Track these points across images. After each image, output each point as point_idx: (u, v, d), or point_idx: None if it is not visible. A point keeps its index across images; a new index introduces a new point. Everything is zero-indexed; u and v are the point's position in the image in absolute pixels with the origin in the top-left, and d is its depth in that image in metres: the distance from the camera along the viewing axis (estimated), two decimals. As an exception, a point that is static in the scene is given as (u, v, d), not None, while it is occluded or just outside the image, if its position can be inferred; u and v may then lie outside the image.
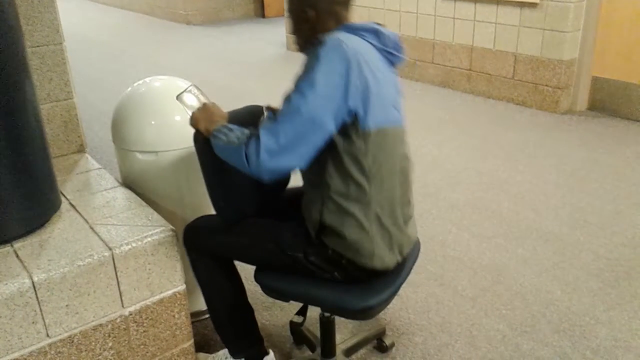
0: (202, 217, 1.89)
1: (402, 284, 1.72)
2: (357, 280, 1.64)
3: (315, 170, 1.57)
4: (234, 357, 1.93)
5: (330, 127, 1.47)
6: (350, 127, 1.50)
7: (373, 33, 1.62)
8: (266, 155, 1.45)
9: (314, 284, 1.68)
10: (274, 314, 2.33)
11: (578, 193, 3.25)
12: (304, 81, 1.47)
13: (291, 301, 1.75)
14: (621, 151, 3.80)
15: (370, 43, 1.60)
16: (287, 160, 1.48)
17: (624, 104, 4.37)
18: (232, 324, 1.91)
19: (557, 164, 3.63)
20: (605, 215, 3.00)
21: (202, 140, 1.71)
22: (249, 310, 1.91)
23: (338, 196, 1.55)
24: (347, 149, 1.51)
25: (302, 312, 2.08)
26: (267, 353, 1.95)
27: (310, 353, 2.07)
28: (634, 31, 4.18)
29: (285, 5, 1.71)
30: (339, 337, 2.04)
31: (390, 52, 1.65)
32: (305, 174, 1.66)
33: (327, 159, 1.54)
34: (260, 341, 1.95)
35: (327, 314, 1.90)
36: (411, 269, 1.78)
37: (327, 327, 1.93)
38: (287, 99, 1.49)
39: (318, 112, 1.45)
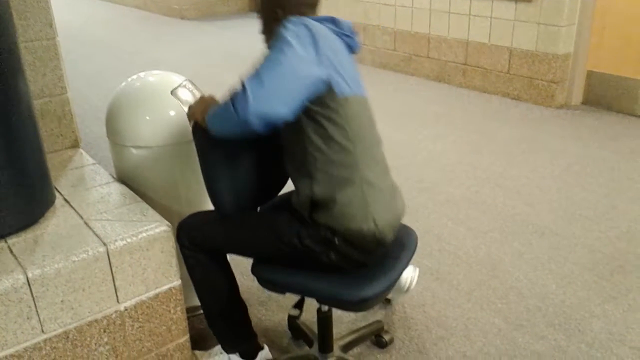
0: (195, 213, 1.89)
1: (399, 275, 1.72)
2: (354, 262, 1.65)
3: (300, 147, 1.61)
4: (227, 353, 1.93)
5: (308, 81, 1.52)
6: (327, 96, 1.56)
7: (330, 21, 1.72)
8: (253, 98, 1.45)
9: (310, 276, 1.68)
10: (270, 309, 2.33)
11: (573, 187, 3.26)
12: (279, 43, 1.53)
13: (288, 295, 1.75)
14: (616, 145, 3.81)
15: (329, 29, 1.68)
16: (273, 104, 1.48)
17: (618, 98, 4.37)
18: (225, 320, 1.91)
19: (552, 158, 3.64)
20: (600, 209, 3.01)
21: (201, 132, 1.71)
22: (242, 306, 1.92)
23: (326, 164, 1.59)
24: (329, 116, 1.57)
25: (298, 305, 2.08)
26: (261, 348, 1.95)
27: (308, 348, 2.07)
28: (629, 25, 4.18)
29: (257, 7, 1.80)
30: (336, 333, 2.04)
31: (347, 34, 1.74)
32: (290, 159, 1.69)
33: (310, 132, 1.59)
34: (254, 337, 1.95)
35: (324, 309, 1.90)
36: (409, 261, 1.78)
37: (325, 322, 1.94)
38: (265, 58, 1.53)
39: (297, 65, 1.51)
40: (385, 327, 2.18)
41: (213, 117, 1.62)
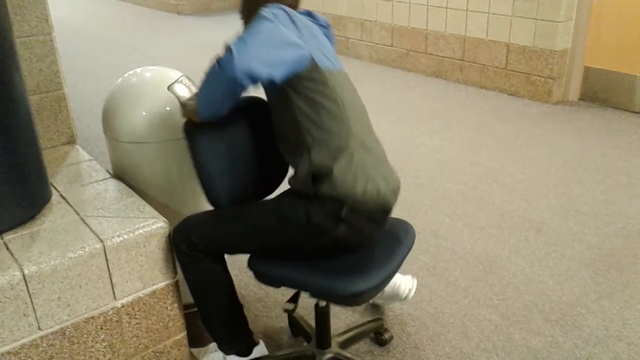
0: (190, 217, 1.83)
1: (394, 270, 1.71)
2: (363, 234, 1.68)
3: (293, 125, 1.64)
4: (225, 353, 1.92)
5: (291, 49, 1.59)
6: (312, 70, 1.62)
7: (306, 14, 1.81)
8: (238, 54, 1.50)
9: (304, 269, 1.67)
10: (267, 305, 2.33)
11: (570, 183, 3.26)
12: (259, 18, 1.59)
13: (284, 291, 1.74)
14: (613, 141, 3.81)
15: (306, 18, 1.78)
16: (258, 62, 1.53)
17: (616, 94, 4.37)
18: (224, 323, 1.88)
19: (549, 154, 3.64)
20: (597, 205, 3.01)
21: (193, 129, 1.71)
22: (239, 306, 1.90)
23: (321, 134, 1.62)
24: (317, 89, 1.62)
25: (293, 299, 2.05)
26: (256, 344, 1.94)
27: (306, 344, 2.06)
28: (626, 21, 4.18)
29: (239, 8, 1.85)
30: (335, 330, 2.04)
31: (323, 26, 1.84)
32: (286, 141, 1.71)
33: (302, 106, 1.62)
34: (250, 334, 1.94)
35: (322, 304, 1.89)
36: (405, 256, 1.77)
37: (322, 318, 1.92)
38: (247, 29, 1.60)
39: (278, 33, 1.58)
40: (385, 325, 2.18)
41: (200, 91, 1.64)
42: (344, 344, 2.02)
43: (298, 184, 1.66)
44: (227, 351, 1.91)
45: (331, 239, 1.64)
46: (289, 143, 1.70)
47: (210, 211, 1.82)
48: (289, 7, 1.73)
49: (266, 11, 1.61)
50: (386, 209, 1.67)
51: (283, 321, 2.24)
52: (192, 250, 1.74)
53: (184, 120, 1.78)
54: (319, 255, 1.70)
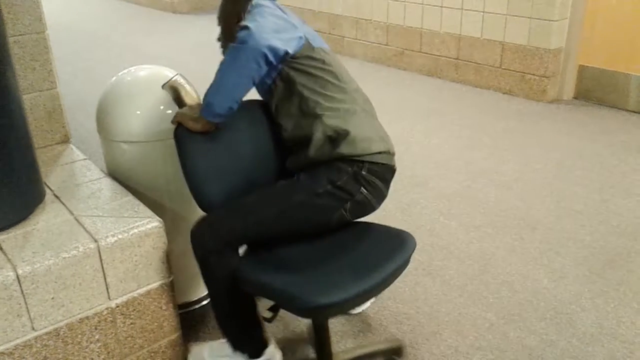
0: (209, 214, 1.76)
1: (373, 287, 1.58)
2: (380, 195, 1.77)
3: (299, 102, 1.75)
4: (241, 351, 1.84)
5: (293, 32, 1.73)
6: (308, 49, 1.77)
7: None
8: (255, 29, 1.64)
9: (271, 274, 1.62)
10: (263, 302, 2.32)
11: (564, 182, 3.27)
12: (254, 8, 1.73)
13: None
14: (607, 140, 3.82)
15: None
16: (272, 36, 1.67)
17: (610, 92, 4.39)
18: (242, 322, 1.83)
19: (544, 153, 3.65)
20: (591, 204, 3.02)
21: (184, 133, 1.70)
22: (255, 304, 1.84)
23: (328, 102, 1.74)
24: (316, 66, 1.77)
25: (274, 307, 1.92)
26: (267, 346, 1.87)
27: (314, 355, 1.95)
28: (620, 20, 4.19)
29: (219, 13, 1.90)
30: (346, 338, 2.00)
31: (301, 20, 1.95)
32: (292, 123, 1.76)
33: (306, 82, 1.75)
34: (262, 333, 1.87)
35: None
36: (396, 270, 1.65)
37: (319, 331, 1.83)
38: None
39: (278, 16, 1.73)
40: (375, 324, 2.15)
41: (214, 85, 1.68)
42: None
43: (314, 151, 1.71)
44: (245, 351, 1.83)
45: (354, 202, 1.71)
46: (297, 123, 1.76)
47: (231, 203, 1.75)
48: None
49: (257, 1, 1.74)
50: (394, 169, 1.82)
51: (281, 322, 2.23)
52: (220, 245, 1.68)
53: (174, 125, 1.77)
54: (335, 233, 1.75)
